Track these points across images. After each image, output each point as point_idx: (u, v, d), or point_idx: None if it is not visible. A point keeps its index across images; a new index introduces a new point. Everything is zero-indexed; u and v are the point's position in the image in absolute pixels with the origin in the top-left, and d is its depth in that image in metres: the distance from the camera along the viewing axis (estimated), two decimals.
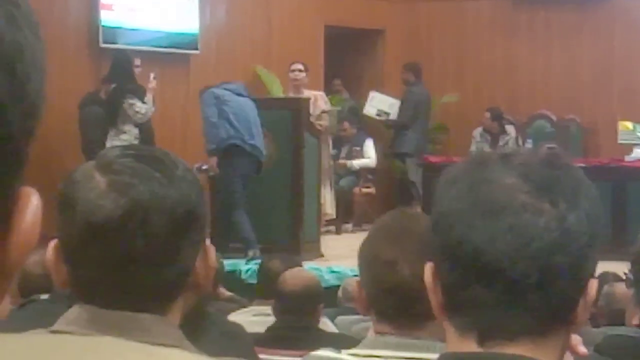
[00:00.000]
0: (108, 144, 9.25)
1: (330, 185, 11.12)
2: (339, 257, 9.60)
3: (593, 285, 1.33)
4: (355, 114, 12.80)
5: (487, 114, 12.41)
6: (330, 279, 8.45)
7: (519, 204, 1.28)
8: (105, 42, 10.89)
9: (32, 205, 0.78)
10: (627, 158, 10.85)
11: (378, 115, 12.64)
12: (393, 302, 2.03)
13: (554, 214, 1.28)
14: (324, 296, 4.71)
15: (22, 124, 0.75)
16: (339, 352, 2.05)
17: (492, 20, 13.71)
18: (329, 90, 12.72)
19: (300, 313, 4.40)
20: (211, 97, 9.62)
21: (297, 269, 4.74)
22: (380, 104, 12.70)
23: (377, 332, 2.08)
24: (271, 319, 4.55)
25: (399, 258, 2.03)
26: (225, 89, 9.69)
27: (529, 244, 1.27)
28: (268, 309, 4.61)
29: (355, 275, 7.10)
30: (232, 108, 9.51)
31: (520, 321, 1.29)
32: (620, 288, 5.26)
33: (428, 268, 1.37)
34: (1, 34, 0.73)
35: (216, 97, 9.57)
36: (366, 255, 2.11)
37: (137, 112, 9.64)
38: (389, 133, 12.89)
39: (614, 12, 13.11)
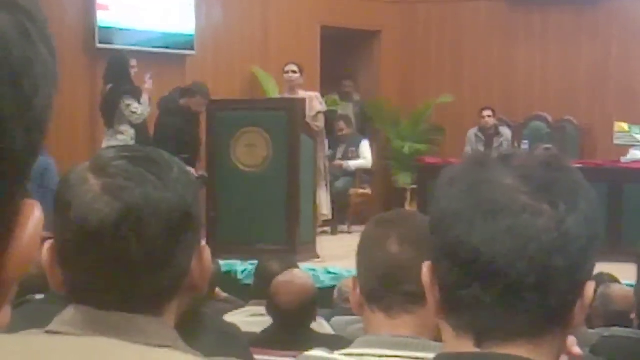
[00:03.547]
0: (104, 145, 9.26)
1: (326, 186, 11.11)
2: (334, 258, 9.60)
3: (590, 287, 1.33)
4: (364, 115, 12.73)
5: (489, 112, 12.36)
6: (325, 280, 8.46)
7: (519, 205, 1.28)
8: (101, 43, 10.89)
9: (33, 218, 0.78)
10: (622, 159, 10.84)
11: None
12: (381, 280, 2.05)
13: (553, 216, 1.27)
14: (319, 299, 4.71)
15: (25, 138, 0.75)
16: (332, 352, 2.05)
17: (488, 22, 13.71)
18: (339, 92, 12.70)
19: (296, 324, 4.42)
20: None
21: (290, 274, 4.70)
22: None
23: (370, 330, 2.08)
24: (267, 319, 4.55)
25: (388, 235, 2.07)
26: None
27: (527, 245, 1.27)
28: (264, 310, 4.61)
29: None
30: None
31: (517, 322, 1.29)
32: (616, 289, 5.26)
33: (426, 267, 1.37)
34: (10, 47, 0.72)
35: None
36: (360, 242, 2.14)
37: (133, 112, 9.64)
38: (383, 134, 12.90)
39: (610, 14, 13.11)
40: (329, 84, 13.25)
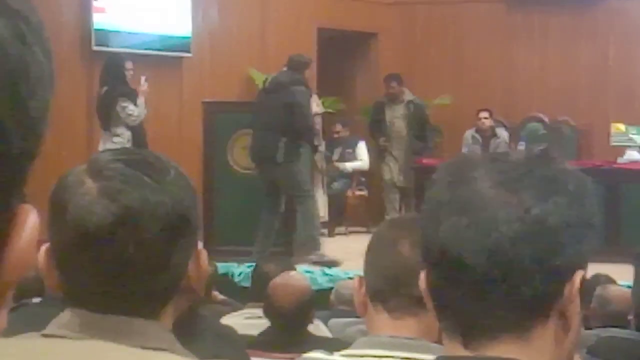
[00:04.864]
0: (101, 147, 9.26)
1: (323, 187, 11.11)
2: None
3: (578, 275, 1.29)
4: (422, 115, 12.03)
5: (486, 114, 12.28)
6: (323, 282, 8.46)
7: (484, 200, 1.26)
8: (97, 45, 10.89)
9: (29, 223, 0.77)
10: (619, 160, 10.87)
11: None
12: (389, 281, 2.04)
13: (516, 206, 1.25)
14: (316, 301, 4.71)
15: (22, 142, 0.74)
16: (331, 354, 2.05)
17: (488, 23, 13.71)
18: (386, 95, 12.03)
19: (293, 326, 4.42)
20: None
21: (287, 276, 4.70)
22: None
23: (372, 330, 2.08)
24: (264, 322, 4.55)
25: (401, 238, 2.06)
26: None
27: (487, 238, 1.25)
28: (261, 312, 4.61)
29: (350, 278, 7.10)
30: None
31: (497, 319, 1.27)
32: (613, 290, 5.26)
33: (422, 274, 1.36)
34: (6, 50, 0.72)
35: None
36: (371, 241, 2.14)
37: (129, 115, 9.63)
38: None
39: (609, 15, 13.12)
40: (326, 86, 13.23)
